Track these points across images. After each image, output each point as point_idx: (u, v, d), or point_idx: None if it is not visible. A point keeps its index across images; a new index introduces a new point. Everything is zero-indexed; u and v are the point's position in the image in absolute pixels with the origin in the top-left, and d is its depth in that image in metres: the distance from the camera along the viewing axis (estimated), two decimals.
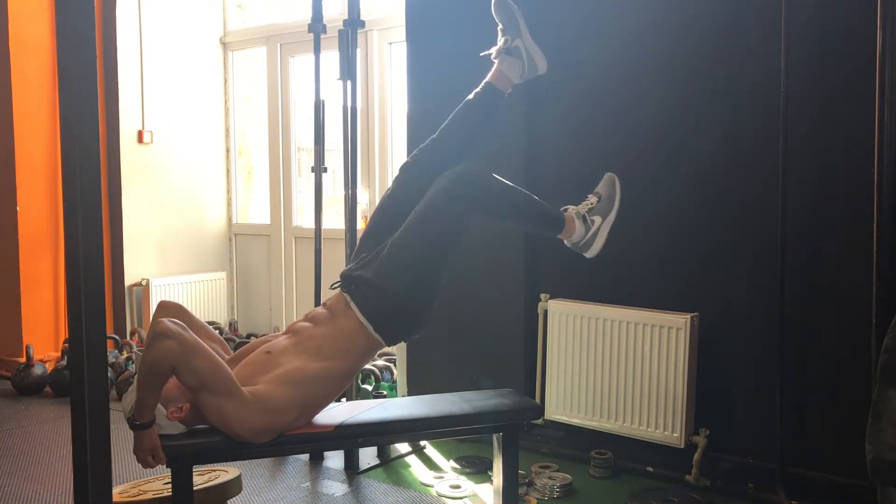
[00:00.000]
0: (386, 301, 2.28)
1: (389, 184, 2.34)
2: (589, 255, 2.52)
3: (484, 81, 2.51)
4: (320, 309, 2.38)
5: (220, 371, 2.09)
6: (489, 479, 3.07)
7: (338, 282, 2.39)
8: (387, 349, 4.73)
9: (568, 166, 3.45)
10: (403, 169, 2.53)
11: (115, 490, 2.43)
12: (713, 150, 3.10)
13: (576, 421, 3.37)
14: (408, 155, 3.86)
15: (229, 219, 5.87)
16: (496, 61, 2.50)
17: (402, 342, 2.39)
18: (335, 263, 3.32)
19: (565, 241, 2.51)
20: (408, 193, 2.42)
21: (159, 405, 2.10)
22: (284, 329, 2.41)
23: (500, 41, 2.51)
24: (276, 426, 2.17)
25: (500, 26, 2.52)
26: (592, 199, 2.52)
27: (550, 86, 3.45)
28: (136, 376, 2.11)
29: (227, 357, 2.35)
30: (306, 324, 2.34)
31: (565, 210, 2.48)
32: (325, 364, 2.24)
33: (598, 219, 2.49)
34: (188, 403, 2.13)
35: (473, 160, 2.41)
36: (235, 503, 2.75)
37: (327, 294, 2.46)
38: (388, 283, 2.28)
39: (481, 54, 2.52)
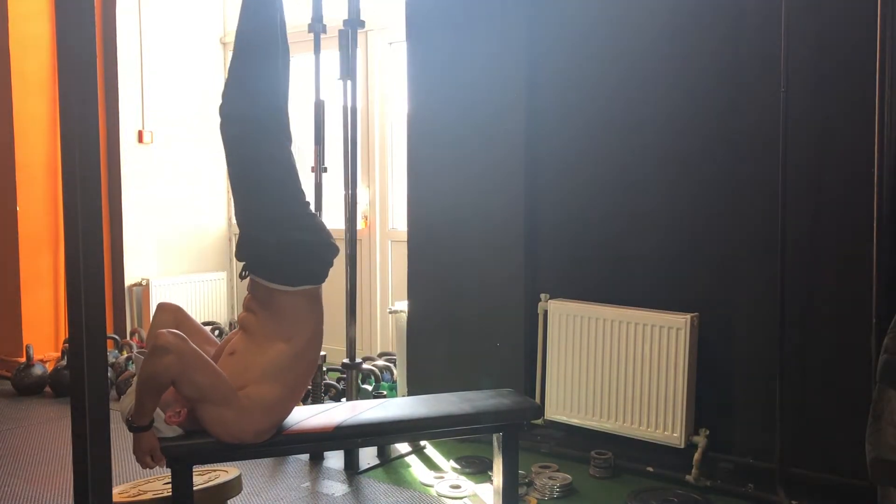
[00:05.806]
0: (270, 258, 2.27)
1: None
2: None
3: None
4: (247, 294, 2.36)
5: (220, 382, 2.12)
6: (489, 479, 3.07)
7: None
8: (387, 350, 4.74)
9: (568, 168, 3.45)
10: None
11: (115, 490, 2.42)
12: (713, 151, 3.09)
13: (576, 421, 3.37)
14: (407, 155, 3.88)
15: (229, 219, 5.87)
16: None
17: (328, 268, 2.37)
18: (334, 263, 3.31)
19: None
20: None
21: (157, 408, 2.11)
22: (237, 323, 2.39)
23: None
24: (276, 422, 2.21)
25: None
26: None
27: (551, 86, 3.46)
28: (135, 379, 2.12)
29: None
30: (247, 314, 2.32)
31: None
32: (287, 344, 2.24)
33: None
34: (185, 409, 2.15)
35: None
36: (235, 503, 2.75)
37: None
38: (256, 245, 2.28)
39: None
